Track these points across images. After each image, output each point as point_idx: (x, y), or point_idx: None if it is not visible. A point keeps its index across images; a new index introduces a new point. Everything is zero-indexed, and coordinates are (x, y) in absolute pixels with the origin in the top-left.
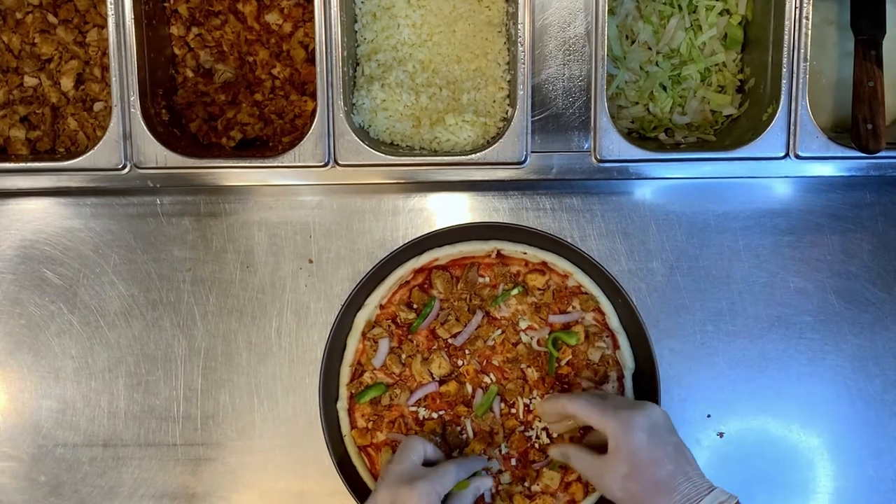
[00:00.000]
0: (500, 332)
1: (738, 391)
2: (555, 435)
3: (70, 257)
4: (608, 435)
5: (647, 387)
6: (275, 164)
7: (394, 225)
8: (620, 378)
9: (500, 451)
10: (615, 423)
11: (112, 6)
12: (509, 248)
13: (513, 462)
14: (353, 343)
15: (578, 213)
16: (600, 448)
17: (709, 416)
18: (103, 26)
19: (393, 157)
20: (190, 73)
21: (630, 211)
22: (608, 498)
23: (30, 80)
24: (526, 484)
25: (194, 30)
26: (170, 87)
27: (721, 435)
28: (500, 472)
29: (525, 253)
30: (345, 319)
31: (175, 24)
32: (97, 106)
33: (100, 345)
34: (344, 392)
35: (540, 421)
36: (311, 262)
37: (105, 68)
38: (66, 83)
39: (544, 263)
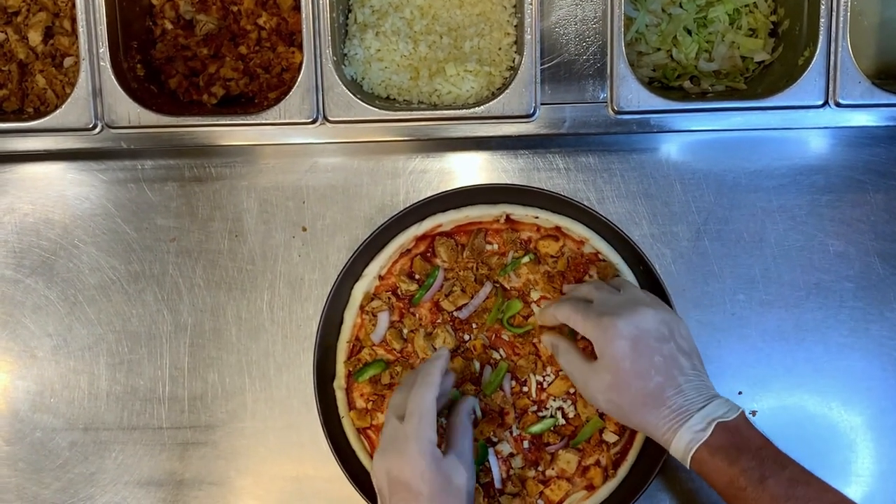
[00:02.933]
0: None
1: (773, 366)
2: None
3: (45, 227)
4: (593, 342)
5: None
6: (258, 122)
7: (394, 189)
8: None
9: (511, 432)
10: (597, 330)
11: None
12: (519, 212)
13: (525, 445)
14: (350, 317)
15: (595, 173)
16: None
17: (740, 392)
18: None
19: (388, 112)
20: (169, 25)
21: (652, 169)
22: (594, 407)
23: None
24: (540, 468)
25: None
26: (147, 40)
27: (754, 413)
28: (512, 455)
29: (537, 217)
30: (341, 292)
31: None
32: (67, 61)
33: (79, 322)
34: (341, 370)
35: (555, 399)
36: (304, 229)
37: (75, 20)
38: (35, 37)
39: (558, 228)
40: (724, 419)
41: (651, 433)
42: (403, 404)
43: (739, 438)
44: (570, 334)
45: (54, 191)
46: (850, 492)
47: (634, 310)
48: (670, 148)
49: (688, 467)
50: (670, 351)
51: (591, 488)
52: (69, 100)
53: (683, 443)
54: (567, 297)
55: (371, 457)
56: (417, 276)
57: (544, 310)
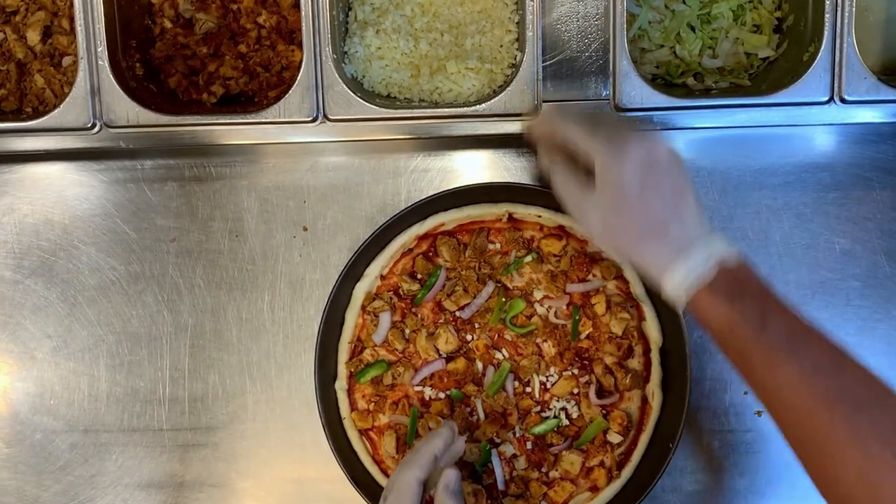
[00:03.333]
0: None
1: None
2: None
3: (45, 228)
4: (596, 162)
5: (676, 362)
6: (258, 121)
7: (395, 188)
8: (647, 353)
9: (514, 433)
10: (605, 149)
11: None
12: (522, 211)
13: (528, 446)
14: (351, 317)
15: None
16: None
17: (746, 393)
18: None
19: (388, 111)
20: (168, 24)
21: None
22: (589, 236)
23: None
24: (543, 469)
25: None
26: (146, 38)
27: (759, 414)
28: (515, 456)
29: (540, 216)
30: (342, 291)
31: None
32: (66, 61)
33: (78, 323)
34: (343, 371)
35: (559, 400)
36: (305, 229)
37: (73, 19)
38: (33, 37)
39: (561, 227)
40: (727, 258)
41: (647, 265)
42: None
43: (742, 279)
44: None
45: (54, 191)
46: None
47: (644, 134)
48: (674, 145)
49: (680, 307)
50: (677, 184)
51: (595, 490)
52: (67, 99)
53: (682, 278)
54: (566, 113)
55: (373, 458)
56: (419, 276)
57: (538, 118)
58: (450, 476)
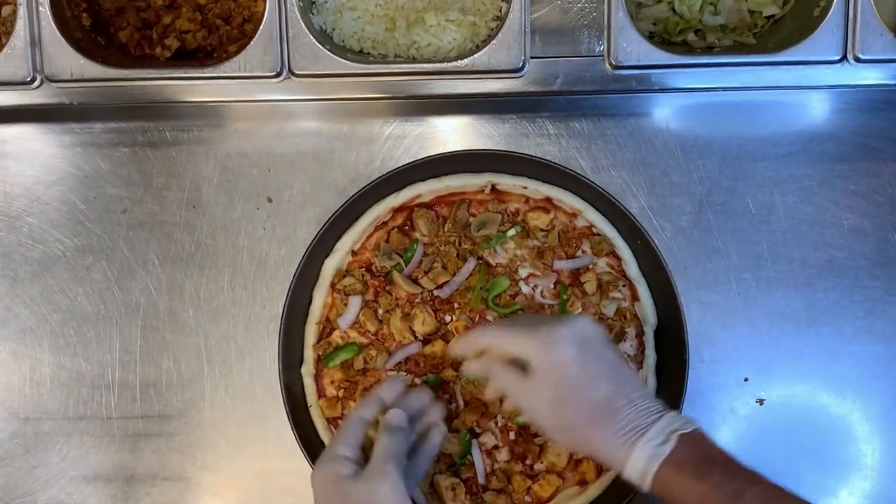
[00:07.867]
0: None
1: (781, 350)
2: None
3: None
4: (529, 358)
5: (672, 345)
6: (216, 75)
7: (368, 156)
8: (640, 335)
9: (496, 423)
10: (533, 341)
11: None
12: (506, 182)
13: (511, 436)
14: (320, 296)
15: (589, 139)
16: None
17: (746, 379)
18: None
19: (360, 66)
20: None
21: (651, 136)
22: (539, 428)
23: None
24: (528, 462)
25: None
26: None
27: (761, 402)
28: (497, 447)
29: (525, 187)
30: (309, 268)
31: None
32: (5, 10)
33: (19, 300)
34: (310, 355)
35: None
36: (270, 200)
37: None
38: None
39: (548, 199)
40: (685, 430)
41: (601, 452)
42: None
43: (705, 451)
44: None
45: None
46: (864, 487)
47: (570, 317)
48: (671, 112)
49: (646, 489)
50: (615, 359)
51: (583, 484)
52: (5, 50)
53: (643, 460)
54: (482, 326)
55: None
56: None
57: (457, 340)
58: (390, 413)
